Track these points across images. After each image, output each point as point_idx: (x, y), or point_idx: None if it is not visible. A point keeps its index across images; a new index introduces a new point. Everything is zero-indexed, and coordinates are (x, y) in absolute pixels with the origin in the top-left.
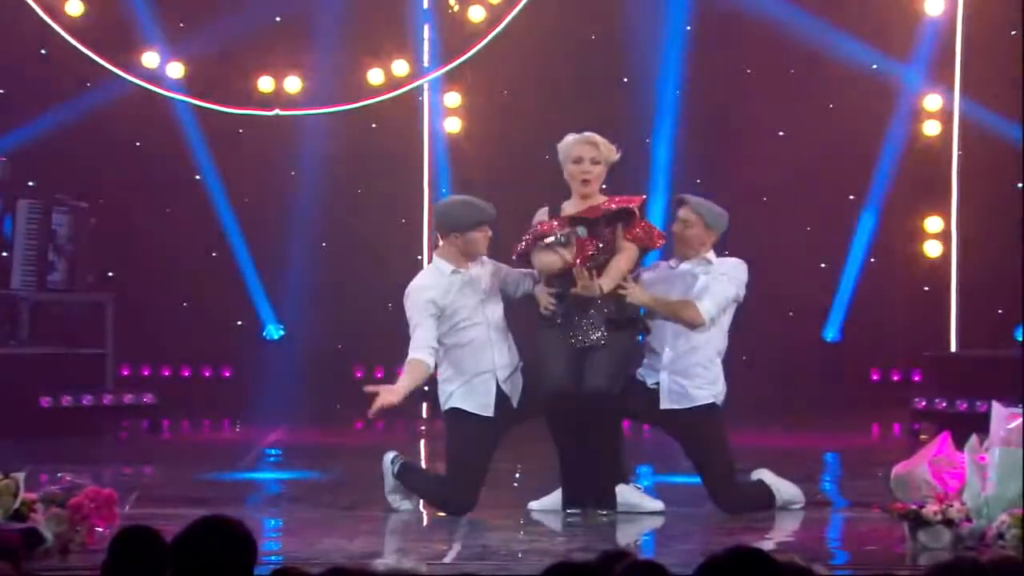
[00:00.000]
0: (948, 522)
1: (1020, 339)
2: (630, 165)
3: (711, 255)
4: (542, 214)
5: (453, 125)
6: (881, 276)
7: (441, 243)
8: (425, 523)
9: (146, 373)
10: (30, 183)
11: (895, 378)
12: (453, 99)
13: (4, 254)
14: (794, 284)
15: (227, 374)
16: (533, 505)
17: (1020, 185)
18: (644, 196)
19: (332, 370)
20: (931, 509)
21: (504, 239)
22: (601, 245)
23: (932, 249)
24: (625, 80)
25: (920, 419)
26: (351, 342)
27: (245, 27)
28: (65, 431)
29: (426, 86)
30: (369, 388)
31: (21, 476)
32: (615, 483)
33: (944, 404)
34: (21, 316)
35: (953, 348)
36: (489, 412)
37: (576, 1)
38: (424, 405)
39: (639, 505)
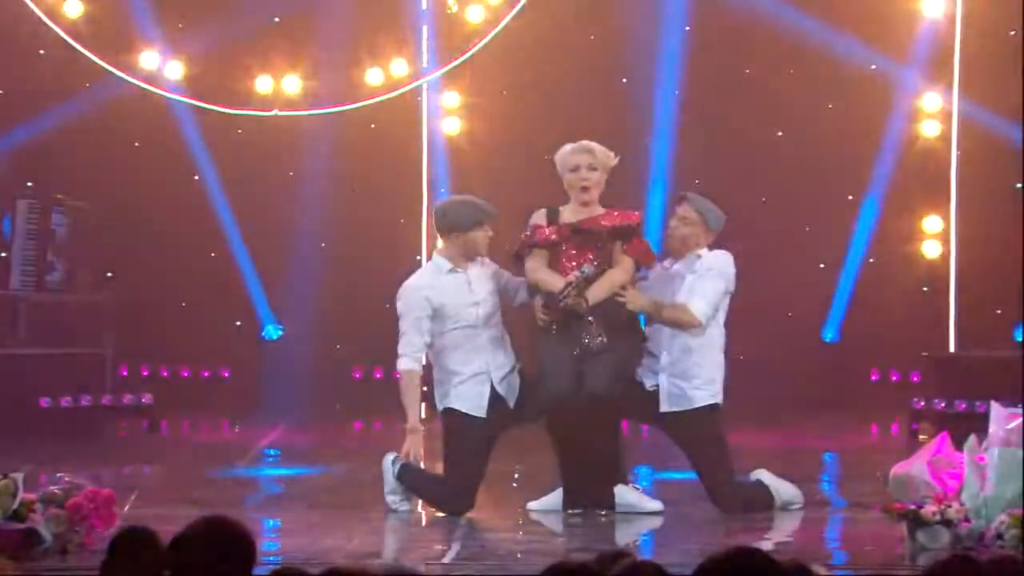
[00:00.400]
0: (947, 522)
1: (1019, 339)
2: (630, 165)
3: (702, 251)
4: (539, 216)
5: (452, 125)
6: (880, 276)
7: (441, 243)
8: (424, 523)
9: (145, 373)
10: (29, 183)
11: (894, 378)
12: (452, 99)
13: (3, 254)
14: (793, 284)
15: (226, 374)
16: (532, 505)
17: (1019, 185)
18: (640, 213)
19: (331, 370)
20: (930, 509)
21: (504, 239)
22: (596, 257)
23: (931, 249)
24: (624, 80)
25: (919, 419)
26: (350, 342)
27: (244, 28)
28: (64, 431)
29: (425, 86)
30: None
31: (20, 476)
32: (614, 484)
33: (943, 404)
34: (20, 316)
35: (952, 348)
36: (482, 413)
37: (575, 2)
38: (423, 405)
39: (638, 505)
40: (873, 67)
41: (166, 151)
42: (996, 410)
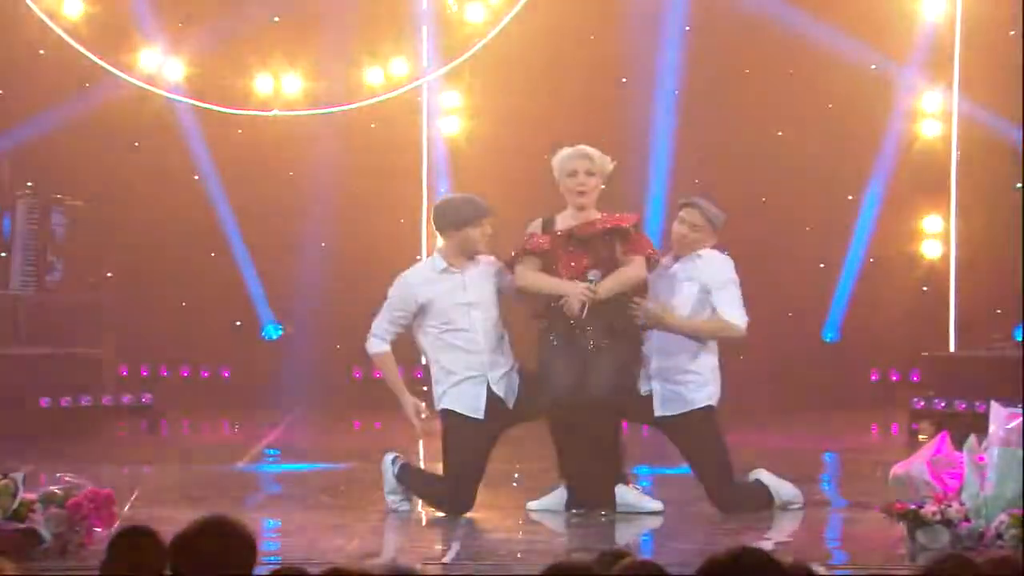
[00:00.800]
0: (947, 522)
1: (1019, 339)
2: (629, 166)
3: (702, 250)
4: (535, 226)
5: (452, 125)
6: (880, 276)
7: (441, 241)
8: (424, 523)
9: (145, 373)
10: (29, 183)
11: (894, 378)
12: (452, 99)
13: (3, 254)
14: (793, 284)
15: (226, 374)
16: (532, 505)
17: (1019, 185)
18: (639, 215)
19: (331, 370)
20: (930, 509)
21: (503, 240)
22: (593, 263)
23: (931, 249)
24: (624, 80)
25: (919, 419)
26: (350, 342)
27: (244, 27)
28: (64, 431)
29: (425, 86)
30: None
31: (20, 476)
32: (614, 484)
33: (943, 404)
34: (20, 316)
35: (952, 348)
36: (479, 415)
37: (575, 2)
38: (422, 405)
39: (638, 505)
40: (873, 67)
41: (166, 151)
42: (996, 410)
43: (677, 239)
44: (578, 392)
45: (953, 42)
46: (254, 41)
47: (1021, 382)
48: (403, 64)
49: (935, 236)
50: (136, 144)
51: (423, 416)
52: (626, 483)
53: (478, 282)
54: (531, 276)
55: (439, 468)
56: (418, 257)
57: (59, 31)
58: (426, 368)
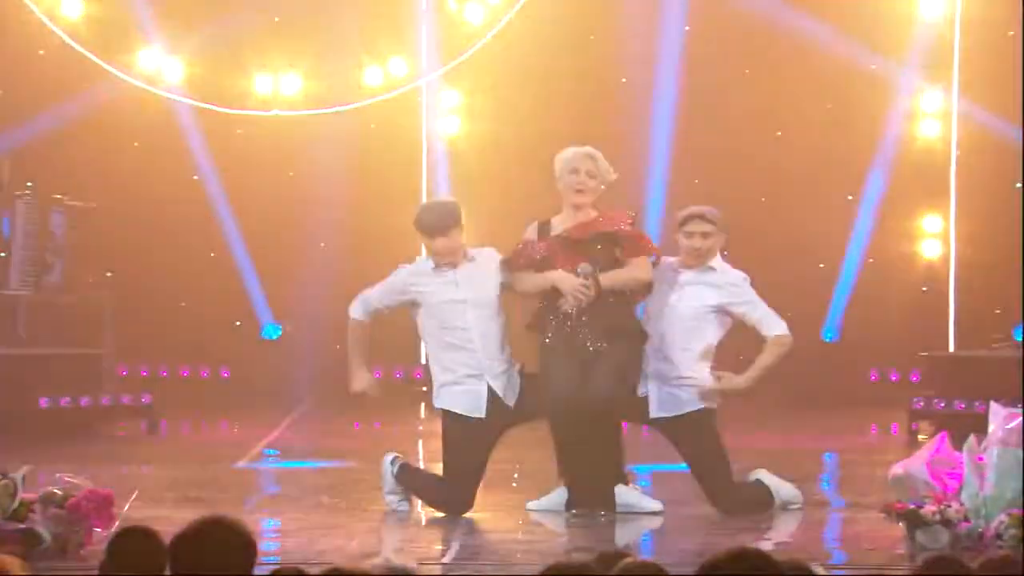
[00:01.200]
0: (946, 522)
1: (1019, 339)
2: (629, 165)
3: (714, 262)
4: (531, 231)
5: (451, 125)
6: (879, 276)
7: None
8: (423, 523)
9: (144, 373)
10: (28, 183)
11: (893, 378)
12: (451, 100)
13: (2, 255)
14: (792, 284)
15: (225, 374)
16: (532, 505)
17: (1019, 184)
18: (635, 211)
19: (330, 370)
20: (929, 509)
21: (500, 240)
22: (584, 258)
23: (930, 249)
24: (624, 80)
25: (918, 419)
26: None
27: (244, 28)
28: (63, 432)
29: (424, 87)
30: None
31: (20, 476)
32: (614, 484)
33: (942, 404)
34: (19, 316)
35: (951, 348)
36: (480, 414)
37: (575, 2)
38: (422, 405)
39: (638, 505)
40: (872, 67)
41: (165, 151)
42: (995, 410)
43: (690, 253)
44: (578, 393)
45: (952, 42)
46: (253, 41)
47: (1021, 382)
48: (402, 64)
49: (935, 236)
50: (136, 144)
51: (371, 393)
52: (626, 483)
53: (472, 279)
54: (527, 280)
55: (438, 468)
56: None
57: (59, 32)
58: (426, 368)
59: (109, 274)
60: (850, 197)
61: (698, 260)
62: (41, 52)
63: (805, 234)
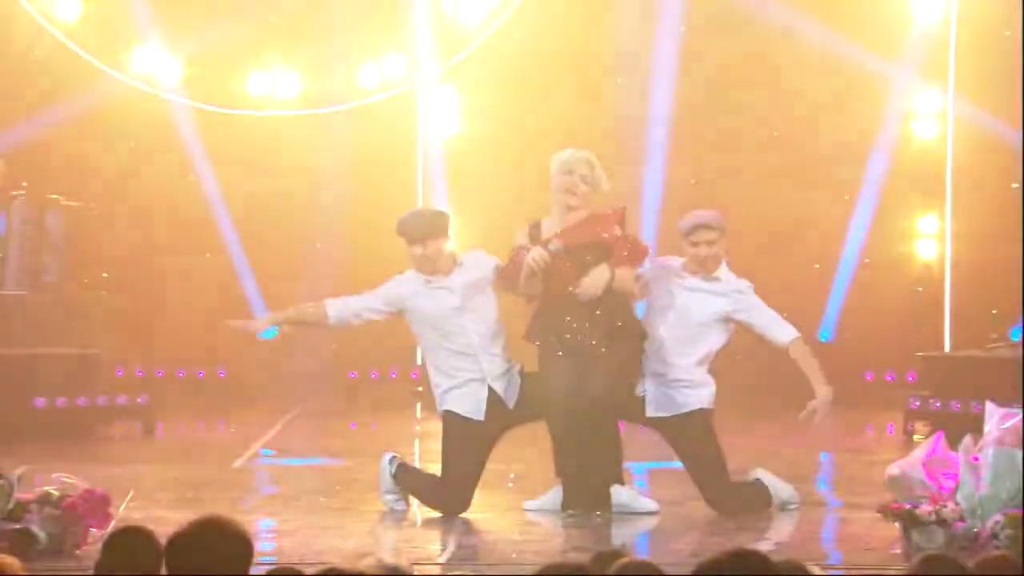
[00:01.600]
0: (942, 522)
1: (1016, 339)
2: (625, 165)
3: (720, 272)
4: (522, 236)
5: (447, 126)
6: (875, 276)
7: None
8: (420, 523)
9: (140, 373)
10: (24, 183)
11: (889, 378)
12: (448, 100)
13: None
14: (788, 284)
15: (222, 375)
16: (529, 505)
17: (1016, 185)
18: (622, 209)
19: (326, 371)
20: (925, 509)
21: (496, 240)
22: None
23: (926, 249)
24: (619, 81)
25: (914, 419)
26: (345, 344)
27: (242, 28)
28: (59, 432)
29: (422, 87)
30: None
31: (15, 477)
32: (611, 484)
33: (938, 404)
34: (15, 317)
35: (947, 348)
36: (480, 416)
37: (571, 2)
38: (418, 406)
39: (634, 505)
40: (868, 67)
41: (161, 151)
42: (991, 410)
43: (697, 261)
44: (576, 393)
45: (948, 43)
46: (251, 41)
47: (1018, 382)
48: (400, 64)
49: (930, 236)
50: (131, 144)
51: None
52: (622, 483)
53: (465, 285)
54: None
55: (435, 468)
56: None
57: (55, 32)
58: (422, 369)
59: (105, 274)
60: (846, 197)
61: (704, 268)
62: (37, 53)
63: (801, 234)
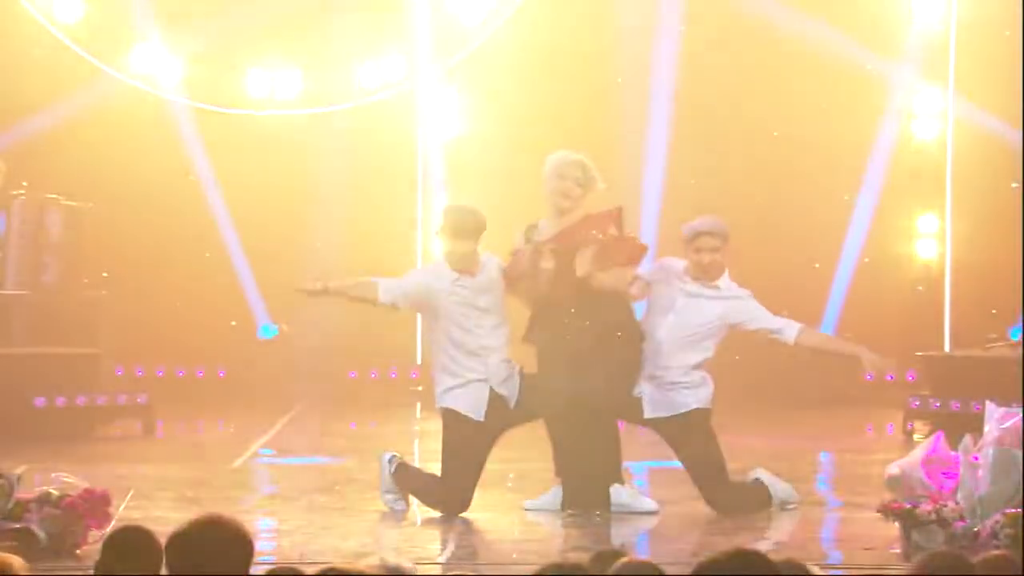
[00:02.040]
0: (942, 522)
1: (1015, 339)
2: (625, 164)
3: (720, 281)
4: (519, 238)
5: (447, 125)
6: (875, 276)
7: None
8: (420, 523)
9: (140, 373)
10: (24, 183)
11: (889, 378)
12: (448, 100)
13: None
14: (788, 284)
15: (221, 374)
16: (528, 505)
17: (1015, 184)
18: (618, 207)
19: (326, 371)
20: (925, 509)
21: (495, 240)
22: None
23: (926, 249)
24: (619, 80)
25: (914, 419)
26: (344, 343)
27: (240, 27)
28: (59, 431)
29: (421, 87)
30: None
31: (15, 476)
32: (610, 483)
33: (938, 404)
34: (15, 316)
35: (947, 348)
36: (480, 416)
37: (572, 2)
38: (418, 405)
39: (633, 505)
40: (868, 67)
41: (161, 151)
42: (991, 409)
43: (700, 268)
44: (575, 393)
45: (948, 43)
46: (251, 41)
47: (1017, 381)
48: (400, 64)
49: (930, 236)
50: (131, 144)
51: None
52: (622, 483)
53: (488, 288)
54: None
55: (435, 468)
56: (412, 258)
57: (55, 31)
58: (421, 368)
59: (105, 274)
60: (846, 197)
61: (707, 275)
62: (37, 52)
63: (801, 234)
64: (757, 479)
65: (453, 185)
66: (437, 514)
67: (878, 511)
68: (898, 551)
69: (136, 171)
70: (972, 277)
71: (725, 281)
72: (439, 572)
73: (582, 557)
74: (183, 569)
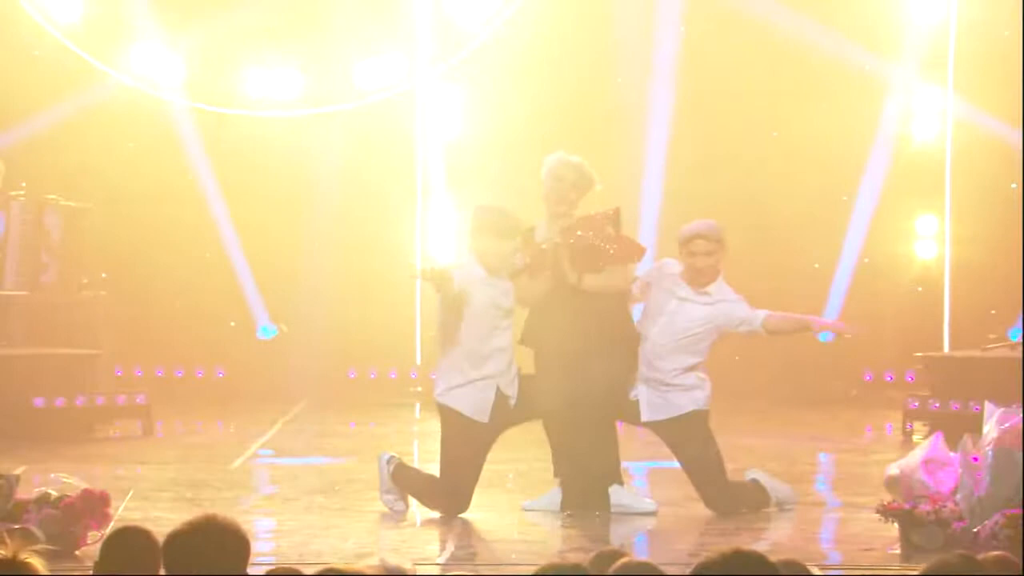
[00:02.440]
0: (941, 522)
1: (1015, 339)
2: (624, 164)
3: (712, 287)
4: (520, 242)
5: (447, 126)
6: (874, 277)
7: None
8: (419, 523)
9: (139, 373)
10: (24, 183)
11: (888, 378)
12: (448, 100)
13: None
14: (787, 284)
15: (221, 375)
16: (527, 505)
17: (1014, 185)
18: (615, 208)
19: (325, 370)
20: (924, 509)
21: None
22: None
23: (925, 250)
24: (619, 80)
25: (913, 419)
26: (344, 343)
27: (239, 27)
28: (58, 432)
29: (421, 87)
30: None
31: (14, 477)
32: (609, 484)
33: (937, 405)
34: (14, 317)
35: (946, 349)
36: (484, 418)
37: (571, 2)
38: (418, 406)
39: (632, 506)
40: (867, 68)
41: (160, 151)
42: (990, 410)
43: (693, 270)
44: (573, 395)
45: (947, 42)
46: (251, 42)
47: (1017, 382)
48: (401, 64)
49: (929, 237)
50: (130, 144)
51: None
52: (621, 483)
53: (511, 288)
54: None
55: (434, 469)
56: (412, 258)
57: (54, 32)
58: (421, 368)
59: (104, 275)
60: (845, 198)
61: (701, 278)
62: (36, 53)
63: (800, 234)
64: (755, 479)
65: (452, 185)
66: (436, 514)
67: (877, 512)
68: (897, 552)
69: (136, 171)
70: (971, 278)
71: (718, 286)
72: (438, 572)
73: (582, 557)
74: (181, 569)
